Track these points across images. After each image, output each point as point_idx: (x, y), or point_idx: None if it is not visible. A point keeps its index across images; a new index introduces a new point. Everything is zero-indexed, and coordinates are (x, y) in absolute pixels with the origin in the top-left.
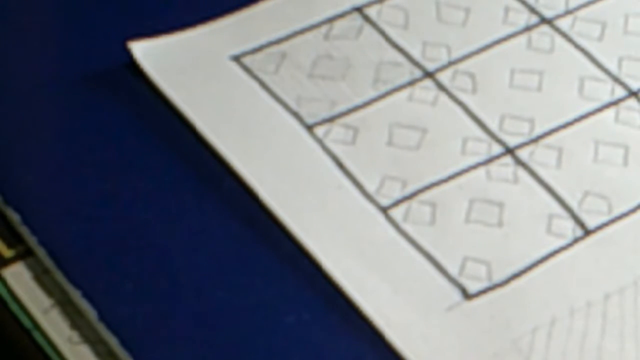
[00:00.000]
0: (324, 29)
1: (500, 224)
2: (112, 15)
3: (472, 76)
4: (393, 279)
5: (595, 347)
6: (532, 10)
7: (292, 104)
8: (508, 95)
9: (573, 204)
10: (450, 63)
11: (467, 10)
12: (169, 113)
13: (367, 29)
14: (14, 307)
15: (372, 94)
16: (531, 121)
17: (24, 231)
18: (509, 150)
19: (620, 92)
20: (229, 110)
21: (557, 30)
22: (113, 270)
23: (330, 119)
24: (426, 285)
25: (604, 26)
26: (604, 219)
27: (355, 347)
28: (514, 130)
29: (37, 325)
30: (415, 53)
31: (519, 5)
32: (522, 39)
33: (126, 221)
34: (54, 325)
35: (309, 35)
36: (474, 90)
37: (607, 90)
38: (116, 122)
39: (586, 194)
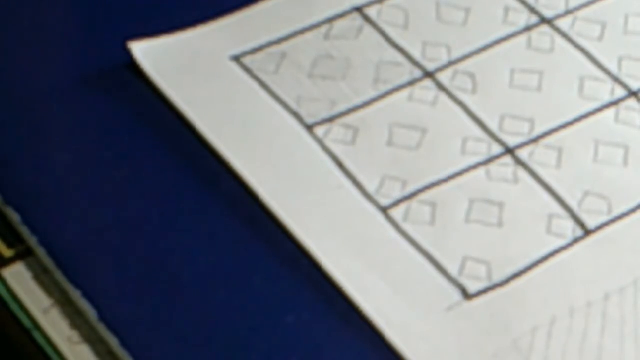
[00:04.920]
0: (324, 29)
1: (500, 224)
2: (112, 15)
3: (472, 76)
4: (393, 279)
5: (595, 347)
6: (532, 10)
7: (292, 104)
8: (508, 95)
9: (573, 204)
10: (450, 63)
11: (467, 10)
12: (169, 113)
13: (367, 29)
14: (14, 307)
15: (372, 94)
16: (531, 121)
17: (24, 231)
18: (509, 150)
19: (620, 92)
20: (229, 110)
21: (557, 30)
22: (113, 270)
23: (330, 119)
24: (426, 285)
25: (604, 26)
26: (604, 219)
27: (355, 347)
28: (514, 130)
29: (37, 325)
30: (415, 53)
31: (519, 5)
32: (522, 39)
33: (126, 221)
34: (54, 325)
35: (309, 35)
36: (474, 90)
37: (607, 90)
38: (116, 122)
39: (586, 194)
